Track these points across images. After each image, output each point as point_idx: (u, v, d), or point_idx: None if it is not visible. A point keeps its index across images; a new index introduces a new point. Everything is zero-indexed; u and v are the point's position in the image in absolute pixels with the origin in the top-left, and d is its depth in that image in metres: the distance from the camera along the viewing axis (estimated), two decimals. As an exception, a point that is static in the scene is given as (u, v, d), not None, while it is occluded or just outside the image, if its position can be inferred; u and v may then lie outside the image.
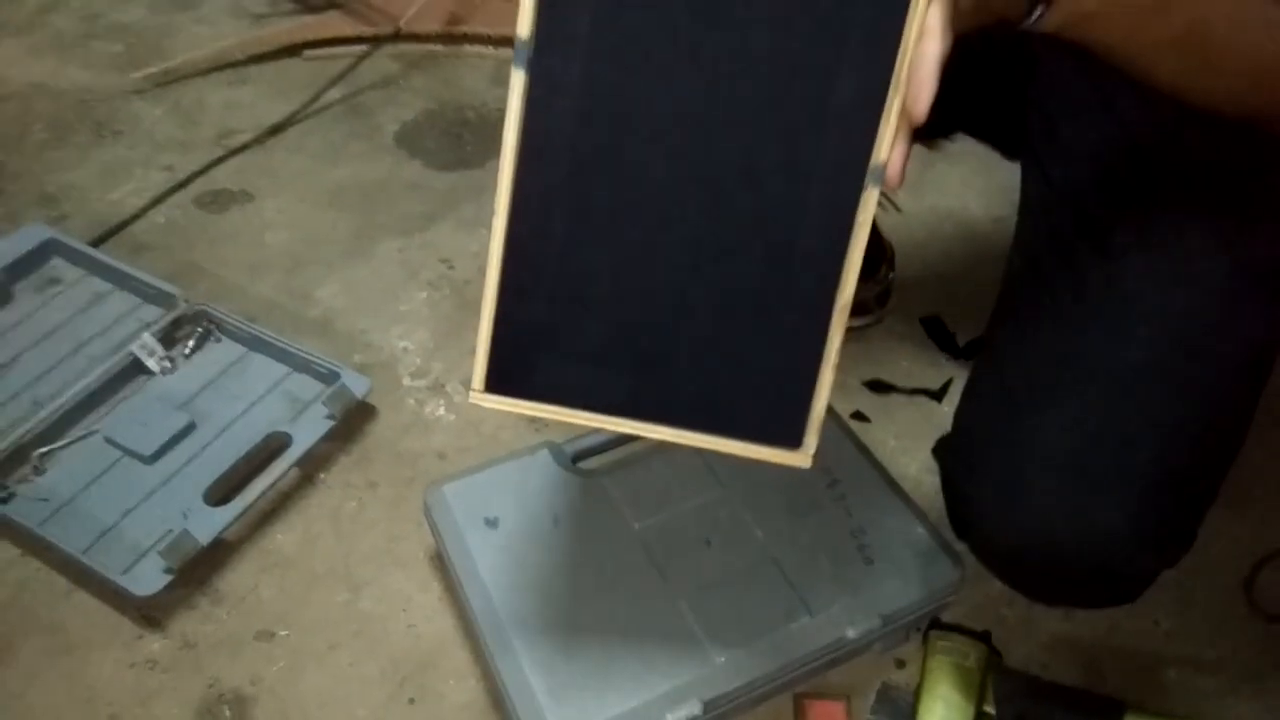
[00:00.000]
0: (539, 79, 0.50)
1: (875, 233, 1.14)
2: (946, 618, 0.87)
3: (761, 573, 0.82)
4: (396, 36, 1.51)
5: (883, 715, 0.82)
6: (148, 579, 0.85)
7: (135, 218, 1.24)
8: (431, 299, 1.16)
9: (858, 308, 1.12)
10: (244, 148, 1.35)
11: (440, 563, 0.89)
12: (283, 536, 0.94)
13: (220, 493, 0.94)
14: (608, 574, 0.82)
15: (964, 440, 0.76)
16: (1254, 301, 0.70)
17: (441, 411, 1.05)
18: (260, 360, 1.06)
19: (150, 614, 0.87)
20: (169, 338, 1.06)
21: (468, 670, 0.85)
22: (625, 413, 0.54)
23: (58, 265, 1.14)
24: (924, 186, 1.29)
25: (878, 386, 1.08)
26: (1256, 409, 0.72)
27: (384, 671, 0.85)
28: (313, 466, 0.99)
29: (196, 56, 1.48)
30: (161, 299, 1.09)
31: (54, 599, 0.89)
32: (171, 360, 1.05)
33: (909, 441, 1.02)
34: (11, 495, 0.92)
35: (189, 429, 0.99)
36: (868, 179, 0.49)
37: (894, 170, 0.49)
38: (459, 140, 1.38)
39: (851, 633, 0.79)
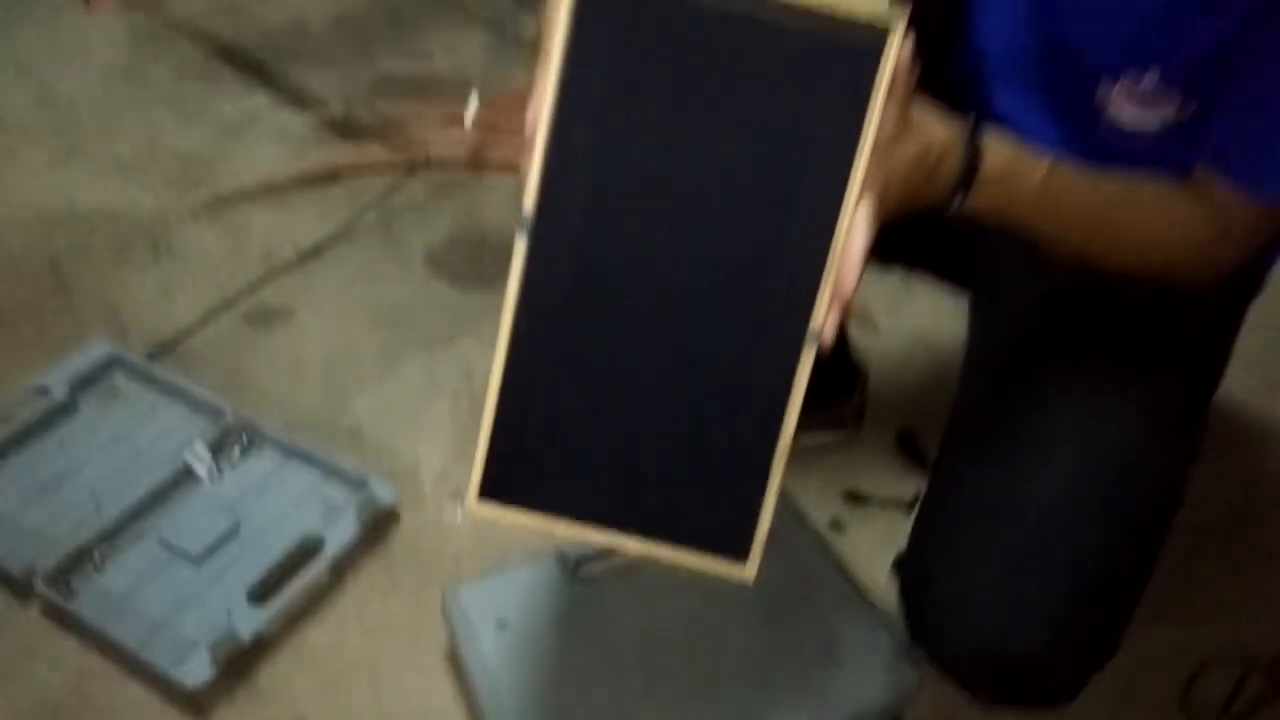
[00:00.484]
0: (537, 247, 0.61)
1: (851, 354, 1.26)
2: (908, 718, 0.96)
3: (738, 676, 0.92)
4: (427, 164, 1.67)
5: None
6: (197, 671, 0.95)
7: (188, 333, 1.38)
8: (453, 410, 1.28)
9: (837, 422, 1.23)
10: (286, 268, 1.49)
11: (456, 659, 0.99)
12: (314, 632, 1.05)
13: (259, 591, 1.05)
14: (600, 678, 0.91)
15: (915, 559, 0.88)
16: (1160, 440, 0.82)
17: (459, 516, 1.16)
18: (297, 468, 1.18)
19: (196, 702, 0.98)
20: (217, 446, 1.18)
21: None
22: (601, 524, 0.64)
23: (118, 379, 1.27)
24: (901, 310, 1.42)
25: (854, 497, 1.18)
26: (1167, 533, 0.82)
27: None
28: (342, 567, 1.10)
29: (245, 183, 1.64)
30: (210, 410, 1.21)
31: (110, 687, 0.99)
32: (219, 467, 1.17)
33: (880, 550, 1.11)
34: (75, 592, 1.04)
35: (233, 532, 1.10)
36: (806, 341, 0.61)
37: (827, 335, 0.60)
38: (480, 262, 1.52)
39: (818, 732, 0.88)
